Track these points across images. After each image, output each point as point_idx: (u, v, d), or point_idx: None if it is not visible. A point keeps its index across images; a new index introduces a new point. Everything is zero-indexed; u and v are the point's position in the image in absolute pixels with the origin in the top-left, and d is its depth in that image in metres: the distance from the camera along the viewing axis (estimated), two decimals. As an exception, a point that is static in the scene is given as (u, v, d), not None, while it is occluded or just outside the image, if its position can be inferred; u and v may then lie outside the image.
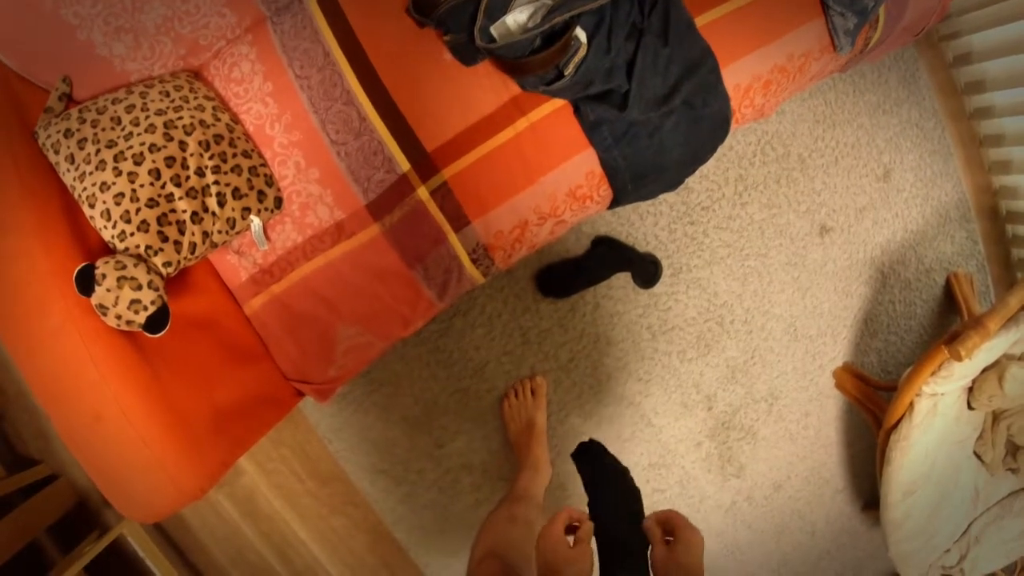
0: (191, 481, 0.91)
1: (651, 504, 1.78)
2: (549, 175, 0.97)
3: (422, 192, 0.97)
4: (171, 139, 0.95)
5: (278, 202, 1.02)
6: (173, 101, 0.99)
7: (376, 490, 1.63)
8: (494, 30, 0.83)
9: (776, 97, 1.15)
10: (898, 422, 1.43)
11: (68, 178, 0.95)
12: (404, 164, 0.97)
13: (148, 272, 0.91)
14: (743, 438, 1.82)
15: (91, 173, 0.94)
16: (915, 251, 1.84)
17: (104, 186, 0.93)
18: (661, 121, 1.00)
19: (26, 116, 0.99)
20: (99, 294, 0.87)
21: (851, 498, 1.98)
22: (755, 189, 1.65)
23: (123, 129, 0.96)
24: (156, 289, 0.91)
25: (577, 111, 0.97)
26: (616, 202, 1.07)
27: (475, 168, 0.96)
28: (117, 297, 0.87)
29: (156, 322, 0.90)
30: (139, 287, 0.89)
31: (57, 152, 0.95)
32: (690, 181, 1.57)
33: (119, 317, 0.88)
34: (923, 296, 1.88)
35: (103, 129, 0.95)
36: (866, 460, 1.95)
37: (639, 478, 1.71)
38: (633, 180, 1.03)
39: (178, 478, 0.90)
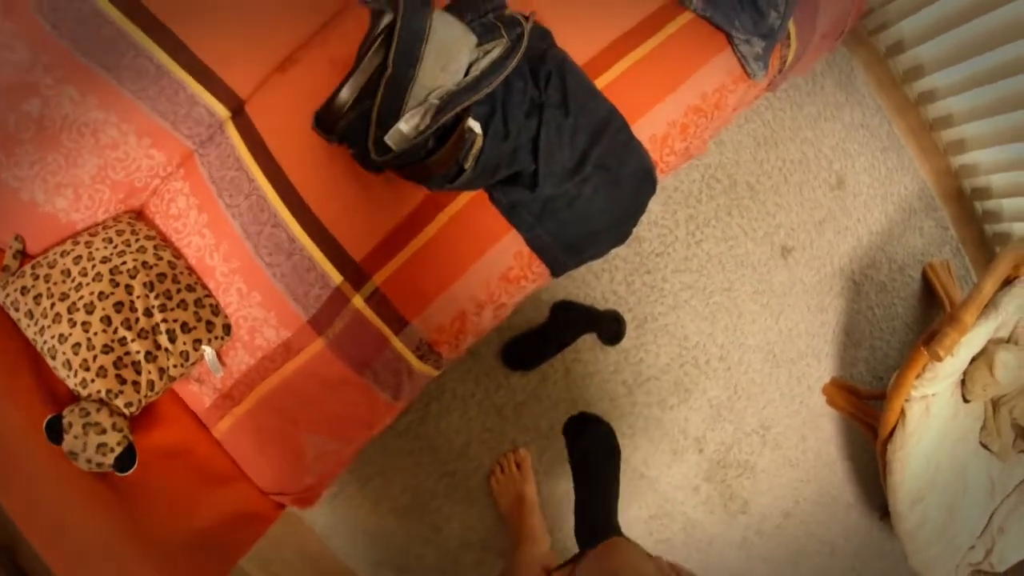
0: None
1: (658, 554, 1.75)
2: (478, 263, 1.00)
3: (357, 301, 1.00)
4: (117, 284, 1.00)
5: (227, 329, 1.06)
6: (116, 246, 1.03)
7: (381, 582, 1.62)
8: (389, 140, 0.86)
9: (700, 137, 1.15)
10: (892, 432, 1.40)
11: (30, 332, 1.00)
12: (336, 277, 1.00)
13: (111, 415, 0.95)
14: (741, 474, 1.78)
15: (49, 326, 0.98)
16: (884, 251, 1.82)
17: (62, 338, 0.97)
18: (578, 190, 1.01)
19: (-17, 277, 1.04)
20: (68, 442, 0.92)
21: (865, 510, 1.93)
22: (707, 225, 1.65)
23: (73, 280, 1.00)
24: (120, 430, 0.95)
25: (492, 197, 0.99)
26: (556, 273, 1.09)
27: (404, 269, 0.99)
28: (85, 443, 0.92)
29: (124, 461, 0.94)
30: (103, 431, 0.93)
31: (17, 309, 1.00)
32: (640, 230, 1.58)
33: (89, 461, 0.92)
34: (901, 295, 1.85)
35: (55, 283, 1.00)
36: (873, 470, 1.88)
37: (640, 531, 1.72)
38: (565, 251, 1.05)
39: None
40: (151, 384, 1.00)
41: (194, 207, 1.07)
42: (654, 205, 1.58)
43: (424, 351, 1.03)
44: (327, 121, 0.91)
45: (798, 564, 1.90)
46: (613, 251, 1.35)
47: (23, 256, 1.08)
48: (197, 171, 1.08)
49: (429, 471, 1.57)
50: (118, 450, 0.93)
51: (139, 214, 1.14)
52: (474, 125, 0.88)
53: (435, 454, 1.56)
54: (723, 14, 1.05)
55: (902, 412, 1.37)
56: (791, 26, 1.14)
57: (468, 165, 0.90)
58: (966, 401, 1.49)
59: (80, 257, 1.02)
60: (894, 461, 1.40)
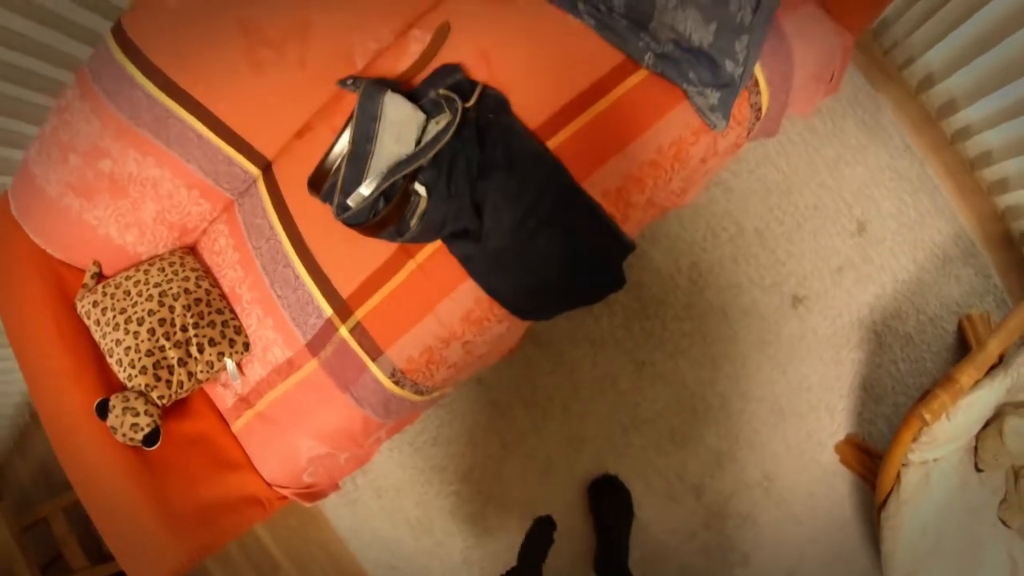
0: (174, 556, 1.17)
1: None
2: (441, 304, 1.13)
3: (343, 331, 1.18)
4: (163, 304, 1.24)
5: (246, 346, 1.28)
6: (167, 275, 1.28)
7: (393, 585, 1.79)
8: (351, 200, 1.03)
9: (665, 189, 1.13)
10: (887, 499, 1.31)
11: (96, 336, 1.28)
12: (328, 309, 1.19)
13: (146, 403, 1.20)
14: (742, 525, 1.73)
15: (110, 332, 1.25)
16: (912, 302, 1.69)
17: (118, 342, 1.23)
18: (529, 242, 1.09)
19: (68, 291, 1.34)
20: (111, 419, 1.18)
21: (883, 576, 1.81)
22: (711, 273, 1.62)
23: (131, 299, 1.26)
24: (151, 415, 1.19)
25: (449, 249, 1.12)
26: (522, 317, 1.18)
27: (381, 307, 1.15)
28: (122, 421, 1.17)
29: (150, 439, 1.19)
30: (137, 414, 1.18)
31: (89, 317, 1.28)
32: (641, 276, 1.61)
33: (124, 435, 1.18)
34: (932, 348, 1.71)
35: (118, 300, 1.26)
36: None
37: (633, 571, 1.71)
38: (525, 299, 1.15)
39: (164, 553, 1.17)
40: (180, 383, 1.24)
41: (230, 246, 1.31)
42: (655, 252, 1.62)
43: (398, 378, 1.18)
44: (316, 184, 1.11)
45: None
46: (613, 296, 1.42)
47: (99, 277, 1.37)
48: (235, 217, 1.32)
49: (437, 489, 1.72)
50: (146, 430, 1.18)
51: (191, 249, 1.40)
52: (419, 188, 1.05)
53: (443, 474, 1.70)
54: (676, 69, 1.05)
55: (898, 478, 1.28)
56: (759, 72, 1.09)
57: (413, 222, 1.06)
58: (979, 470, 1.39)
59: (139, 281, 1.28)
60: (886, 530, 1.31)
